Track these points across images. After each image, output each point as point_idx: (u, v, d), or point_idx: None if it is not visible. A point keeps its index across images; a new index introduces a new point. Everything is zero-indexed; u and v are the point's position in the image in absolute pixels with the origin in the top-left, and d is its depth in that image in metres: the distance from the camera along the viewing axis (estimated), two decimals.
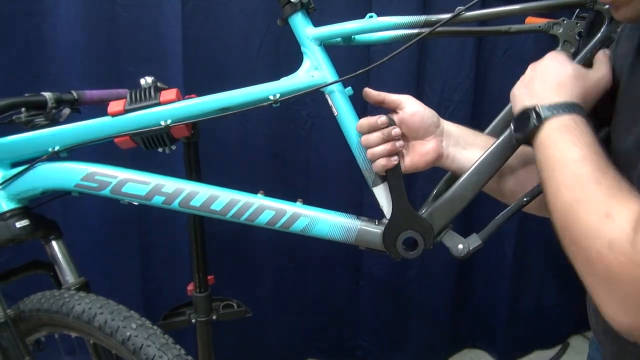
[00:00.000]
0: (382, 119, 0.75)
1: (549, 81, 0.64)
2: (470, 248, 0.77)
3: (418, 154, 0.77)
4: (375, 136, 0.75)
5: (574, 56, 0.74)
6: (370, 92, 0.78)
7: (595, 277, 0.49)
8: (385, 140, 0.75)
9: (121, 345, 0.80)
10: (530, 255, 1.85)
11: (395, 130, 0.75)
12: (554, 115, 0.59)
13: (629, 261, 0.44)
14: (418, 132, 0.76)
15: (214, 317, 1.29)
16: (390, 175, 0.77)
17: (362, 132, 0.77)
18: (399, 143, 0.75)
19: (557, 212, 0.54)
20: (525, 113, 0.63)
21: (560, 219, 0.54)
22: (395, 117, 0.77)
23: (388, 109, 0.79)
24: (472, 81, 1.64)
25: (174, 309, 1.33)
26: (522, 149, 0.71)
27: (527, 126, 0.62)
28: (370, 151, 0.76)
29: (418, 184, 1.64)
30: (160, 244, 1.55)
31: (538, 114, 0.61)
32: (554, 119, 0.59)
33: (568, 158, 0.55)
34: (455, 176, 0.80)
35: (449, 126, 0.78)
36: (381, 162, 0.76)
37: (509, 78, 1.70)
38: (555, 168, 0.56)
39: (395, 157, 0.76)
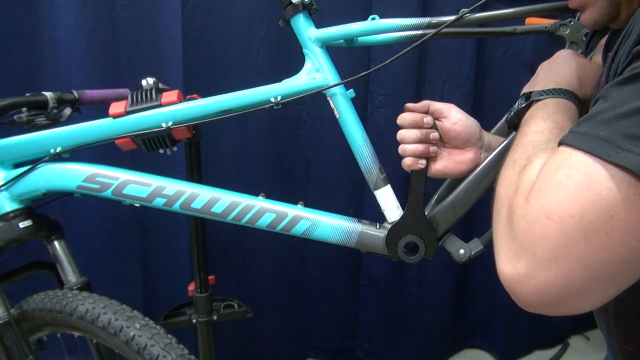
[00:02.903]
0: (428, 119, 0.75)
1: (550, 72, 0.66)
2: (472, 253, 0.77)
3: (453, 161, 0.76)
4: (413, 133, 0.74)
5: None
6: (414, 105, 0.77)
7: (499, 225, 0.49)
8: (421, 141, 0.74)
9: (125, 345, 0.80)
10: None
11: (434, 134, 0.75)
12: (542, 98, 0.62)
13: (525, 202, 0.45)
14: (458, 141, 0.76)
15: (215, 317, 1.30)
16: (414, 177, 0.77)
17: (402, 126, 0.76)
18: (432, 148, 0.75)
19: (500, 172, 0.56)
20: (521, 97, 0.66)
21: (498, 178, 0.55)
22: (438, 125, 0.76)
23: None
24: (472, 81, 1.64)
25: (174, 309, 1.33)
26: None
27: (518, 107, 0.64)
28: (402, 146, 0.76)
29: None
30: (161, 244, 1.55)
31: (528, 97, 0.63)
32: (540, 101, 0.62)
33: (531, 129, 0.57)
34: (457, 180, 0.80)
35: (489, 138, 0.78)
36: (408, 162, 0.75)
37: (509, 78, 1.71)
38: (518, 137, 0.58)
39: (424, 161, 0.75)
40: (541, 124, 0.57)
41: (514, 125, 0.66)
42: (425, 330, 1.83)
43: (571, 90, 0.62)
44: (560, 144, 0.45)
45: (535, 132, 0.56)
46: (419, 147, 0.74)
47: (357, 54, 1.55)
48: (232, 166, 1.55)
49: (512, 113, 0.66)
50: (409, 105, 0.77)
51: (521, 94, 0.68)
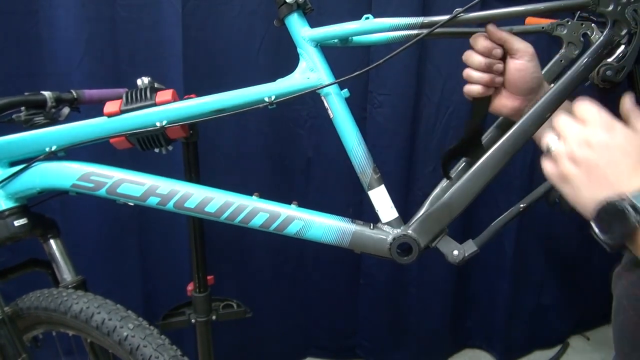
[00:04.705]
0: (498, 50, 0.75)
1: (619, 161, 0.53)
2: (466, 254, 0.77)
3: (500, 102, 0.78)
4: (480, 59, 0.75)
5: (576, 59, 0.73)
6: (495, 30, 0.75)
7: None
8: (485, 70, 0.75)
9: (118, 345, 0.80)
10: (530, 254, 1.84)
11: (498, 66, 0.75)
12: None
13: None
14: (511, 86, 0.76)
15: (214, 317, 1.30)
16: (477, 105, 0.77)
17: (475, 48, 0.76)
18: (498, 79, 0.75)
19: None
20: (613, 209, 0.51)
21: None
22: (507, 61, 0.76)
23: None
24: None
25: (173, 309, 1.33)
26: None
27: (625, 225, 0.50)
28: (467, 70, 0.77)
29: (418, 184, 1.64)
30: (160, 244, 1.55)
31: (636, 209, 0.50)
32: None
33: None
34: (452, 182, 0.79)
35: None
36: (477, 88, 0.76)
37: None
38: None
39: (491, 89, 0.76)
40: None
41: (619, 245, 0.53)
42: (425, 329, 1.82)
43: None
44: None
45: None
46: (484, 76, 0.75)
47: (358, 54, 1.54)
48: (232, 166, 1.55)
49: (623, 230, 0.51)
50: (490, 27, 0.75)
51: (593, 199, 0.53)
